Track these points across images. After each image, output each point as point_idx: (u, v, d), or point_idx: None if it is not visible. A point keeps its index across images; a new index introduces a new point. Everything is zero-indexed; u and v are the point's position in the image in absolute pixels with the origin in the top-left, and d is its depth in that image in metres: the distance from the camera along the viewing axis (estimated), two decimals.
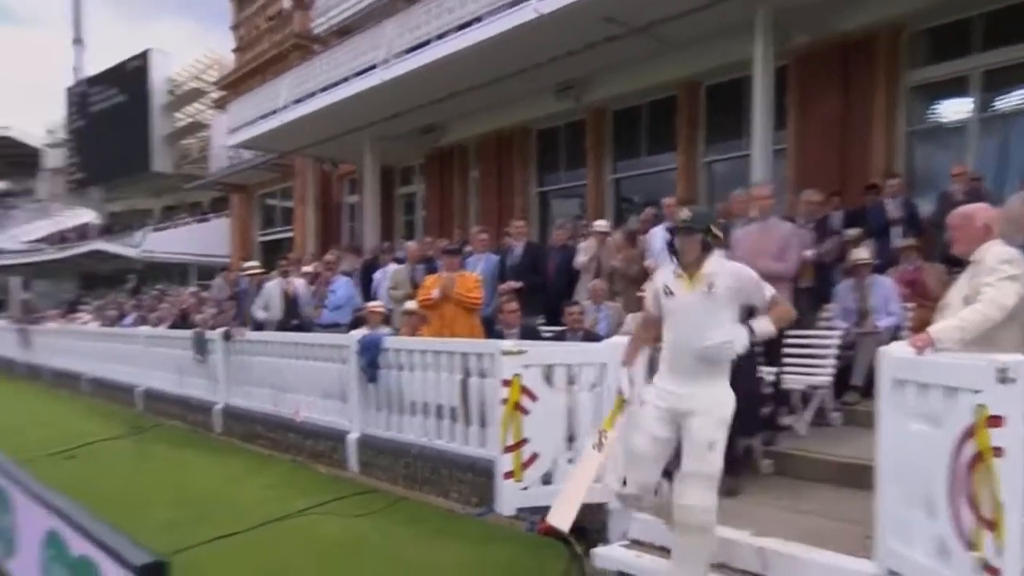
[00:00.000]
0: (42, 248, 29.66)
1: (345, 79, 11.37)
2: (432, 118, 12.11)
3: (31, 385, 15.40)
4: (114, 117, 26.42)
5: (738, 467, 4.46)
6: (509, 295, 6.79)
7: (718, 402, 3.25)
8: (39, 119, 49.34)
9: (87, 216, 31.22)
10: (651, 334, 3.57)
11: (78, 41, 29.71)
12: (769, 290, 3.29)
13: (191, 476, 7.00)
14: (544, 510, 4.31)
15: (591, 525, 4.13)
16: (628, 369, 3.64)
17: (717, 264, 3.29)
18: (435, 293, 6.52)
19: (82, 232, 29.61)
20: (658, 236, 6.63)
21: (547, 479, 4.46)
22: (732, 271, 3.29)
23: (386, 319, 7.43)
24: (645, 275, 6.26)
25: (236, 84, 19.30)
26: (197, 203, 26.09)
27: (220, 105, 20.97)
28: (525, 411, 4.68)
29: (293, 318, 8.67)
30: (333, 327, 8.01)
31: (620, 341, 4.43)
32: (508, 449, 4.60)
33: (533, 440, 4.55)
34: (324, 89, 11.85)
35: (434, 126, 12.56)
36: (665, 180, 9.91)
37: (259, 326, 8.74)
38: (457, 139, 12.81)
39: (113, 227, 27.95)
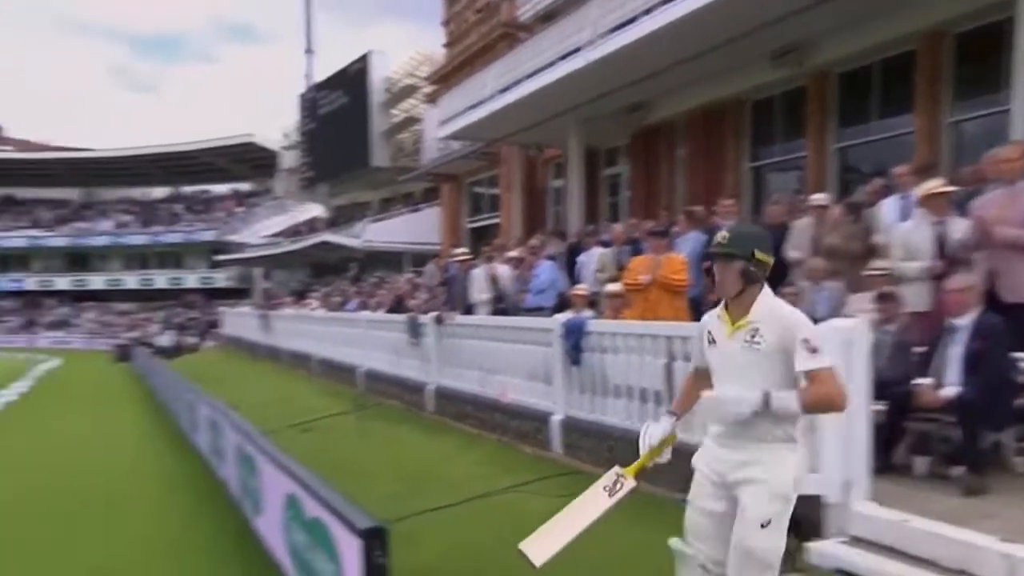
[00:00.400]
0: (279, 241, 33.65)
1: (550, 64, 11.69)
2: (638, 96, 12.07)
3: (272, 366, 17.64)
4: (338, 118, 29.26)
5: (984, 464, 4.06)
6: None
7: (778, 473, 2.66)
8: (277, 125, 56.25)
9: (316, 210, 34.93)
10: (702, 385, 2.97)
11: (309, 51, 33.23)
12: (815, 362, 2.55)
13: (407, 452, 7.69)
14: None
15: (806, 518, 3.99)
16: (672, 420, 3.08)
17: (765, 307, 2.68)
18: (643, 278, 6.57)
19: (312, 225, 33.21)
20: (889, 208, 6.15)
21: None
22: (781, 318, 2.64)
23: (591, 302, 7.59)
24: (870, 253, 5.85)
25: (446, 78, 20.53)
26: (410, 194, 28.16)
27: (431, 99, 22.44)
28: None
29: (498, 302, 9.17)
30: (537, 311, 8.34)
31: (840, 325, 4.22)
32: None
33: None
34: (530, 76, 12.27)
35: (640, 104, 12.51)
36: (900, 146, 9.05)
37: (468, 310, 9.34)
38: (663, 116, 12.65)
39: (338, 220, 31.01)
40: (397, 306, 12.06)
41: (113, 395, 16.77)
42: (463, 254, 10.31)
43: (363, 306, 14.15)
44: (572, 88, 11.59)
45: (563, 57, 11.34)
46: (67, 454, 9.38)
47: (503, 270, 9.48)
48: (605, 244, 9.12)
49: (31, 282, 46.69)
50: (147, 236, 45.93)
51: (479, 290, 9.30)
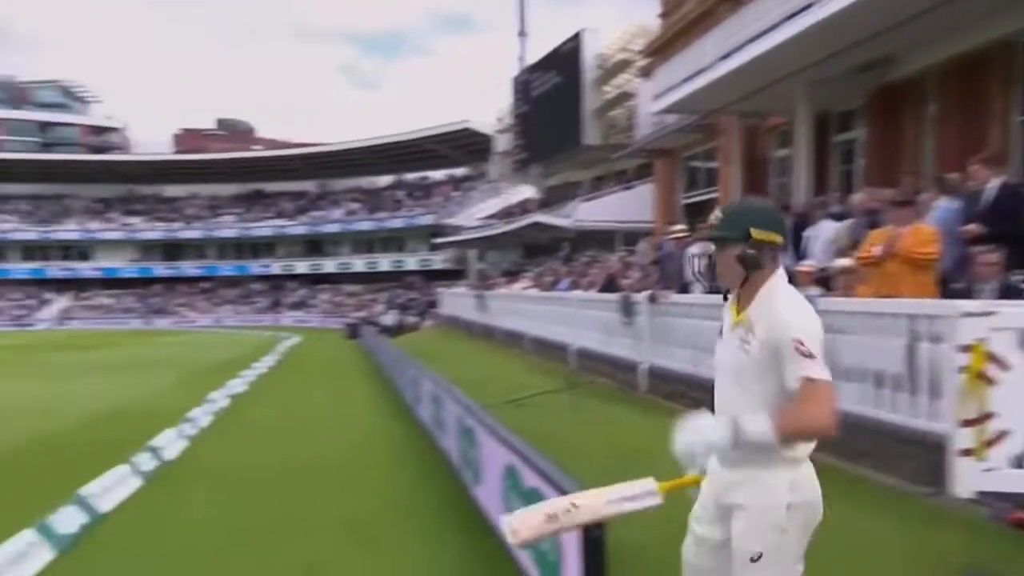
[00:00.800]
0: (492, 223, 35.14)
1: (776, 24, 11.09)
2: (877, 52, 11.10)
3: (486, 344, 18.55)
4: (551, 98, 29.89)
5: None
6: (988, 246, 5.99)
7: (768, 497, 2.29)
8: (491, 110, 58.78)
9: (528, 192, 36.03)
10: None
11: (522, 34, 34.28)
12: (805, 370, 2.15)
13: (619, 430, 7.79)
14: (1016, 497, 3.83)
15: None
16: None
17: (766, 299, 2.31)
18: (876, 250, 6.15)
19: (524, 207, 34.28)
20: None
21: (1020, 462, 3.93)
22: (774, 314, 2.25)
23: (817, 280, 7.20)
24: None
25: (662, 49, 20.19)
26: (622, 172, 28.10)
27: (646, 73, 22.19)
28: (991, 381, 4.22)
29: (715, 280, 8.94)
30: None
31: None
32: (967, 423, 4.21)
33: (1002, 415, 4.07)
34: (753, 39, 11.73)
35: (878, 61, 11.50)
36: None
37: (683, 288, 9.22)
38: (909, 71, 11.52)
39: (549, 200, 31.73)
40: (609, 285, 12.17)
41: (345, 370, 18.57)
42: (680, 231, 10.17)
43: (575, 285, 14.43)
44: (800, 49, 10.92)
45: (791, 16, 10.71)
46: (312, 424, 10.60)
47: None
48: (836, 217, 8.56)
49: (276, 267, 52.99)
50: (373, 222, 50.16)
51: (695, 267, 9.13)
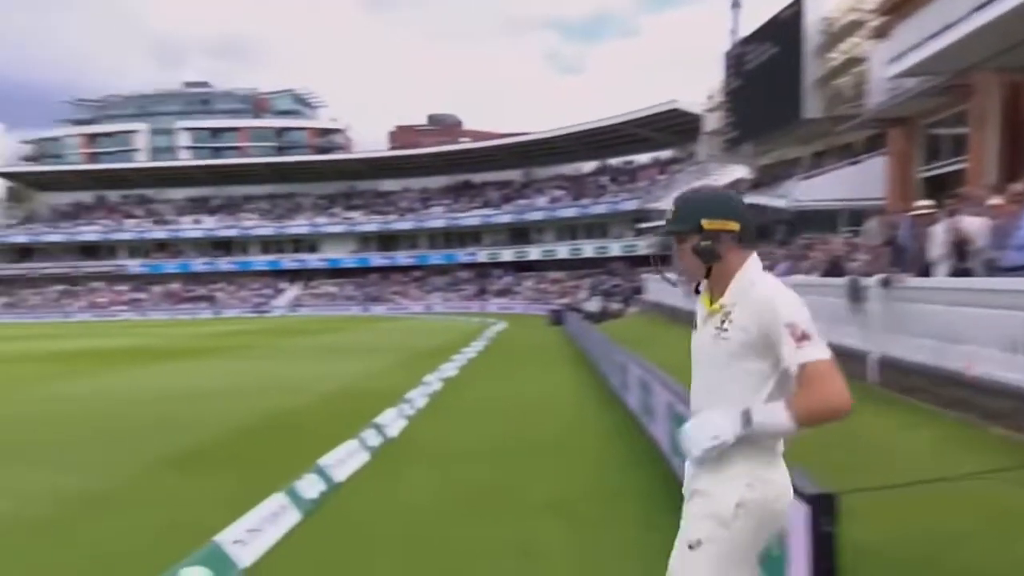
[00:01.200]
0: None
1: None
2: None
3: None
4: (766, 71, 28.50)
5: None
6: None
7: (719, 488, 2.21)
8: (700, 88, 57.17)
9: (739, 172, 34.73)
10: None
11: (735, 5, 32.90)
12: (805, 353, 2.08)
13: (847, 423, 7.31)
14: None
15: None
16: None
17: (742, 285, 2.26)
18: None
19: (735, 187, 33.08)
20: None
21: None
22: (756, 299, 2.19)
23: None
24: None
25: (899, 6, 18.55)
26: (847, 145, 26.19)
27: (880, 34, 20.51)
28: None
29: (964, 261, 8.20)
30: (1020, 270, 7.27)
31: None
32: None
33: None
34: None
35: None
36: None
37: (924, 271, 8.53)
38: None
39: (762, 180, 30.38)
40: (833, 269, 11.48)
41: (551, 355, 19.05)
42: (925, 207, 9.40)
43: (793, 269, 13.76)
44: None
45: None
46: (520, 407, 11.01)
47: (973, 223, 8.38)
48: None
49: (482, 255, 55.47)
50: (576, 209, 50.90)
51: (939, 248, 8.41)
